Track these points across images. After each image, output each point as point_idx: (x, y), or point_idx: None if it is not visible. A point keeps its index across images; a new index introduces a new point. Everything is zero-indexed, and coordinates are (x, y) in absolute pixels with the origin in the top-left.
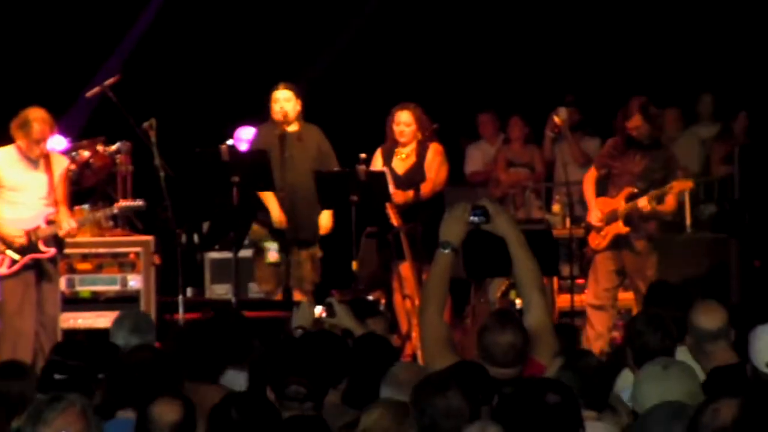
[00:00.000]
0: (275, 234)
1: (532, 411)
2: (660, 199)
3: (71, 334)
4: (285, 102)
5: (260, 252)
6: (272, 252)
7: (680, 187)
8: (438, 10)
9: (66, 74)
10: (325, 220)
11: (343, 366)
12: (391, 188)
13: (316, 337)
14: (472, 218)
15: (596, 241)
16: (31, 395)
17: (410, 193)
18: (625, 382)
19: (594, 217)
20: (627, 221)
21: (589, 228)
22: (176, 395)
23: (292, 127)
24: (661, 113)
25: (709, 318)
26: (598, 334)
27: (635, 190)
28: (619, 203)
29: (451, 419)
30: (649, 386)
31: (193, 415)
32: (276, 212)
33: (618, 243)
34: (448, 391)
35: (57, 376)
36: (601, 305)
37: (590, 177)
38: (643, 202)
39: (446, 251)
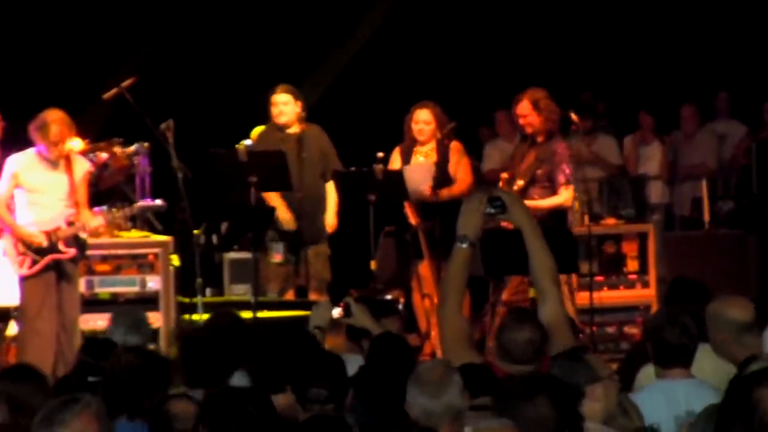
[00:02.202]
0: (282, 234)
1: (528, 410)
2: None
3: (90, 335)
4: (283, 105)
5: (266, 252)
6: (277, 252)
7: (542, 196)
8: (455, 7)
9: (83, 75)
10: (331, 218)
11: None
12: (430, 183)
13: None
14: (488, 209)
15: None
16: (38, 401)
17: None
18: (646, 380)
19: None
20: None
21: None
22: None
23: (293, 129)
24: (558, 111)
25: (743, 310)
26: None
27: (515, 189)
28: None
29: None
30: None
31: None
32: (284, 213)
33: None
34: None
35: (91, 379)
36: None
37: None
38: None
39: (464, 245)
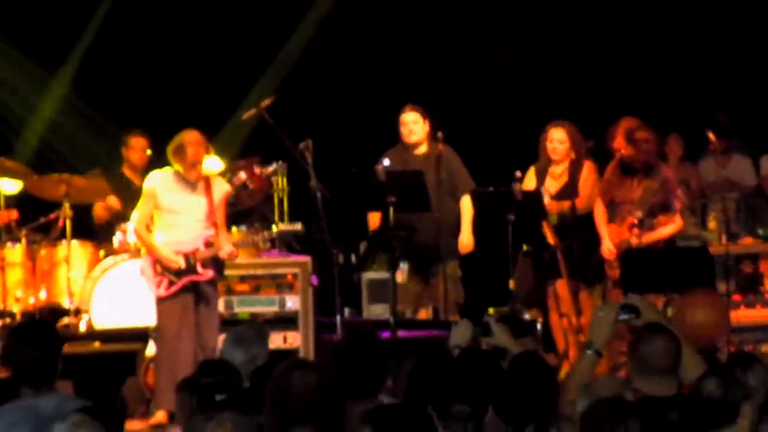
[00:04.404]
0: (409, 254)
1: (653, 429)
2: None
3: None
4: (413, 124)
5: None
6: (401, 272)
7: (666, 223)
8: (594, 29)
9: (221, 95)
10: (467, 237)
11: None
12: (546, 200)
13: (474, 356)
14: (621, 316)
15: (612, 271)
16: None
17: (565, 204)
18: None
19: (606, 249)
20: None
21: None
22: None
23: (422, 149)
24: (654, 139)
25: None
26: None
27: (635, 221)
28: (624, 233)
29: None
30: None
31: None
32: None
33: None
34: (627, 420)
35: (218, 397)
36: None
37: (599, 207)
38: (634, 240)
39: (589, 352)
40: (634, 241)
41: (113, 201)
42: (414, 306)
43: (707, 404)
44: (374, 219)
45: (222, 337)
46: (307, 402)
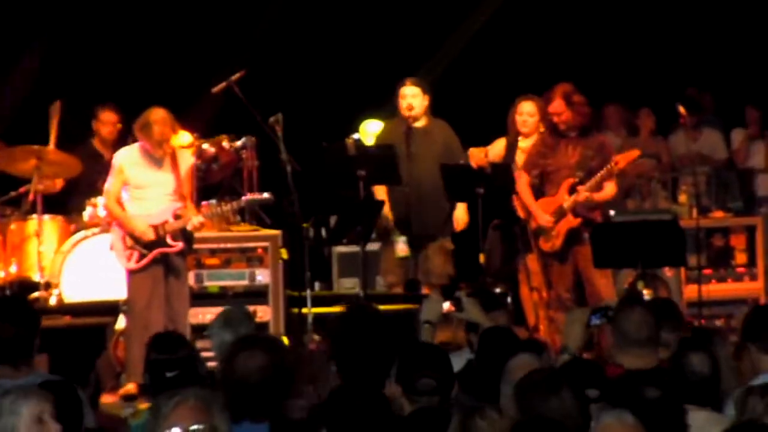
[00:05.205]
0: (403, 227)
1: (632, 406)
2: (597, 187)
3: (200, 329)
4: (412, 98)
5: (388, 245)
6: (402, 245)
7: (626, 159)
8: (566, 4)
9: (191, 69)
10: (461, 213)
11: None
12: (516, 172)
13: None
14: (593, 321)
15: (549, 243)
16: None
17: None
18: None
19: (543, 219)
20: (576, 213)
21: (539, 232)
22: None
23: (420, 123)
24: (587, 103)
25: None
26: None
27: (576, 180)
28: (563, 198)
29: (564, 419)
30: None
31: (282, 361)
32: (385, 209)
33: (572, 239)
34: (561, 391)
35: (168, 374)
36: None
37: (524, 182)
38: (582, 194)
39: (564, 356)
40: (582, 197)
41: (59, 182)
42: (399, 280)
43: (692, 380)
44: (380, 191)
45: (209, 319)
46: (250, 385)
